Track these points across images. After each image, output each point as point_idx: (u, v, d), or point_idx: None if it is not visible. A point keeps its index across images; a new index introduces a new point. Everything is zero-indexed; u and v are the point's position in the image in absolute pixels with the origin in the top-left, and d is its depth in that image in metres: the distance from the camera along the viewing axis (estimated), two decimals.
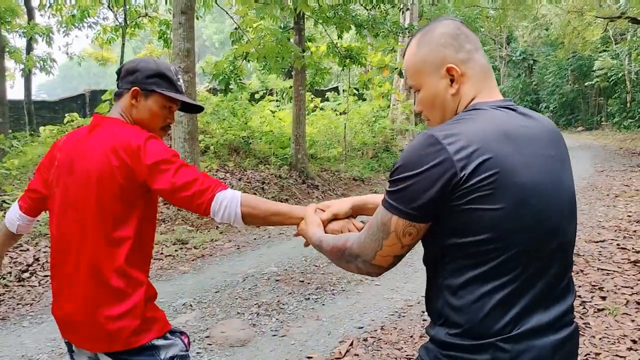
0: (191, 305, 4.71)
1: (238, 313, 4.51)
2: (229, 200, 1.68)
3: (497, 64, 36.71)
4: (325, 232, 1.66)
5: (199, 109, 2.04)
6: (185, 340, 1.85)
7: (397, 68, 12.37)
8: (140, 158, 1.66)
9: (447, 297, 1.23)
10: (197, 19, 11.06)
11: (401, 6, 12.02)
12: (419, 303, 4.48)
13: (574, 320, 1.31)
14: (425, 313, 4.24)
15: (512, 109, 1.27)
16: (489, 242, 1.16)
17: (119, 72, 1.89)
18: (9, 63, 14.96)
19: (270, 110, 13.68)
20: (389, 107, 17.33)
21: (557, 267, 1.25)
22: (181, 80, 1.93)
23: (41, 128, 11.99)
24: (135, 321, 1.70)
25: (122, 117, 1.84)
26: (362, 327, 4.15)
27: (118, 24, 14.21)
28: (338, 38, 11.67)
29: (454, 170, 1.13)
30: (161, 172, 1.67)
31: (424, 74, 1.34)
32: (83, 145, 1.78)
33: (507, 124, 1.21)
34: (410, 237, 1.22)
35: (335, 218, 1.74)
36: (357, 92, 16.65)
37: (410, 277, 5.23)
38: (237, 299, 4.86)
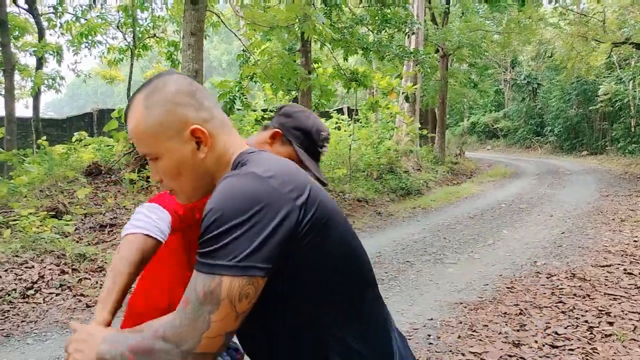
0: None
1: None
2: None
3: (502, 88, 36.95)
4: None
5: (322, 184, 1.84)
6: (238, 357, 1.80)
7: (404, 92, 12.44)
8: None
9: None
10: (205, 38, 11.22)
11: (407, 30, 12.15)
12: (424, 326, 4.46)
13: None
14: (432, 336, 4.22)
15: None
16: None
17: (279, 109, 1.90)
18: (22, 81, 15.12)
19: None
20: (393, 129, 17.42)
21: None
22: (325, 149, 1.89)
23: (54, 148, 12.07)
24: None
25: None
26: None
27: (127, 43, 14.40)
28: (344, 60, 11.80)
29: (293, 208, 1.04)
30: None
31: (161, 140, 1.14)
32: None
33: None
34: (247, 301, 1.01)
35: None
36: (356, 115, 16.72)
37: (416, 299, 5.21)
38: None
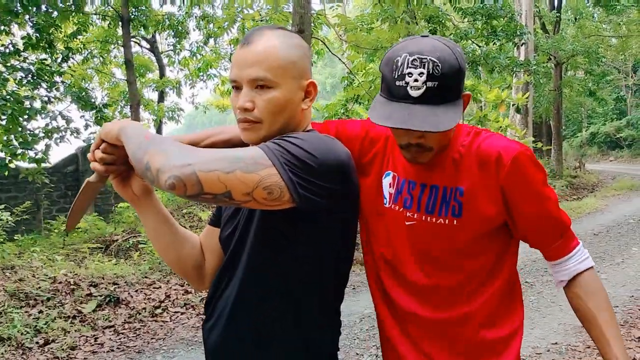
0: None
1: (357, 354, 4.49)
2: None
3: (623, 94, 34.45)
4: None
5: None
6: None
7: (514, 104, 12.01)
8: None
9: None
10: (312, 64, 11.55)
11: (517, 41, 11.73)
12: (548, 351, 4.22)
13: None
14: None
15: None
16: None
17: None
18: (144, 114, 16.43)
19: None
20: None
21: None
22: (409, 78, 1.14)
23: None
24: None
25: None
26: None
27: None
28: None
29: (354, 176, 1.23)
30: None
31: (287, 75, 1.20)
32: None
33: None
34: (265, 195, 1.05)
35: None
36: None
37: (538, 322, 4.94)
38: (355, 339, 4.85)
